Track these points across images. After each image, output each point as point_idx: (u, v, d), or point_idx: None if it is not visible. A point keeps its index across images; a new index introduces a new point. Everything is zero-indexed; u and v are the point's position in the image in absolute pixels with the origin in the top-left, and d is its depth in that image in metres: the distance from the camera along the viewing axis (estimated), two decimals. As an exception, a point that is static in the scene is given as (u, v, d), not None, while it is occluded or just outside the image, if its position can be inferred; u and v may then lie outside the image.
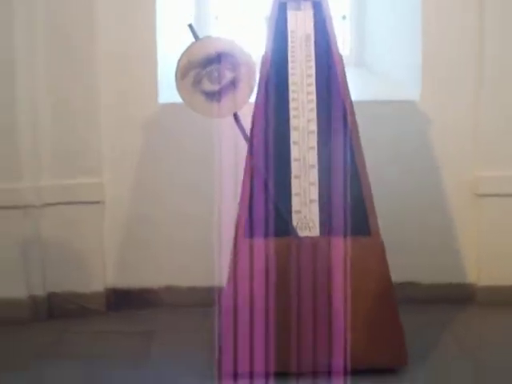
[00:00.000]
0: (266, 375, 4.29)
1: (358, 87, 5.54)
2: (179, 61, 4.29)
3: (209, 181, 5.24)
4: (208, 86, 4.25)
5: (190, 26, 4.37)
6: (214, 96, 4.26)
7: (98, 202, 5.56)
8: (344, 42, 6.29)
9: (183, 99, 4.32)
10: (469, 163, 5.67)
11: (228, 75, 4.26)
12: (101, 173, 5.57)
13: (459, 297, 5.70)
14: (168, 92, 5.34)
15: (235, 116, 4.34)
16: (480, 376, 4.53)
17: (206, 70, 4.26)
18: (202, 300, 5.37)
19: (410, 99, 5.65)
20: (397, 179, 5.62)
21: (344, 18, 6.31)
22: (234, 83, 4.27)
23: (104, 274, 5.64)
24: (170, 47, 5.64)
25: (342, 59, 4.41)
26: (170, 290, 5.67)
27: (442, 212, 5.73)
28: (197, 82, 4.26)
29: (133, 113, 5.57)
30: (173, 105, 5.40)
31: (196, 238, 5.57)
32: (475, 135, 5.62)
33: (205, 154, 5.40)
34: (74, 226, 5.52)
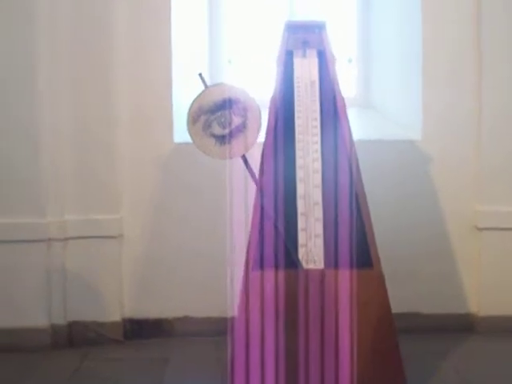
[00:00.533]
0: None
1: (364, 127, 5.86)
2: (190, 107, 4.59)
3: (220, 218, 5.53)
4: (217, 130, 4.54)
5: (200, 75, 4.68)
6: (223, 139, 4.55)
7: (116, 237, 5.87)
8: (350, 85, 6.59)
9: (194, 142, 4.60)
10: (469, 199, 5.94)
11: (236, 120, 4.54)
12: (119, 209, 5.89)
13: (460, 327, 5.95)
14: (182, 133, 5.70)
15: (244, 158, 4.63)
16: None
17: (215, 115, 4.55)
18: (214, 330, 5.64)
19: (412, 139, 5.96)
20: (400, 214, 5.89)
21: (350, 61, 6.56)
22: (241, 127, 4.55)
23: (121, 304, 5.92)
24: (184, 90, 5.99)
25: (344, 103, 4.71)
26: (183, 320, 5.94)
27: (444, 245, 6.00)
28: (207, 126, 4.54)
29: (150, 152, 5.89)
30: (187, 144, 5.74)
31: (208, 271, 5.84)
32: (475, 172, 5.90)
33: (216, 191, 5.70)
34: (94, 258, 5.82)
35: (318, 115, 4.73)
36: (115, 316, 5.88)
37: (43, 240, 5.72)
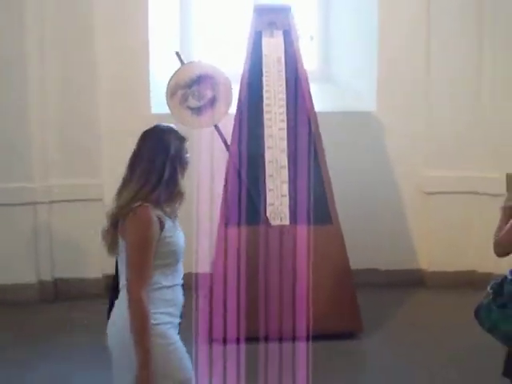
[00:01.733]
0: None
1: (324, 100, 6.40)
2: (168, 83, 5.12)
3: (190, 183, 6.03)
4: (193, 103, 5.08)
5: (177, 53, 5.20)
6: (198, 111, 5.09)
7: (97, 200, 6.35)
8: (311, 60, 7.09)
9: (172, 114, 5.15)
10: (419, 165, 6.53)
11: (208, 93, 5.08)
12: (100, 175, 6.38)
13: (411, 281, 6.56)
14: (160, 105, 6.24)
15: (216, 127, 5.18)
16: (423, 340, 5.39)
17: (190, 89, 5.08)
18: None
19: (368, 110, 6.55)
20: (357, 178, 6.45)
21: (312, 38, 7.06)
22: (214, 100, 5.09)
23: (102, 262, 6.42)
24: (160, 66, 6.50)
25: (307, 78, 5.28)
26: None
27: (396, 208, 6.61)
28: (183, 99, 5.08)
29: (129, 123, 6.35)
30: (164, 115, 6.27)
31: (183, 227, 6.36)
32: (424, 141, 6.48)
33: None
34: (77, 220, 6.32)
35: (283, 89, 5.31)
36: (97, 272, 6.40)
37: (30, 203, 6.21)
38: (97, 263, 6.38)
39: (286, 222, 5.22)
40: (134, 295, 2.92)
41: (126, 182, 3.10)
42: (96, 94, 6.29)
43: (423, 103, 6.47)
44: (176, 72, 5.15)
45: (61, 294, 6.35)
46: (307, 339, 4.98)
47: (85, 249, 6.37)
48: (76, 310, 6.08)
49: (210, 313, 5.15)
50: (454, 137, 6.47)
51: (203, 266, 5.77)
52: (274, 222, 5.21)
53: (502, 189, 3.70)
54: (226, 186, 5.23)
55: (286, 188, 5.23)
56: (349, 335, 5.30)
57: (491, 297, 3.51)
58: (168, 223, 3.04)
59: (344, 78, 6.84)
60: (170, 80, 5.14)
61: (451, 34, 6.44)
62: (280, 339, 5.06)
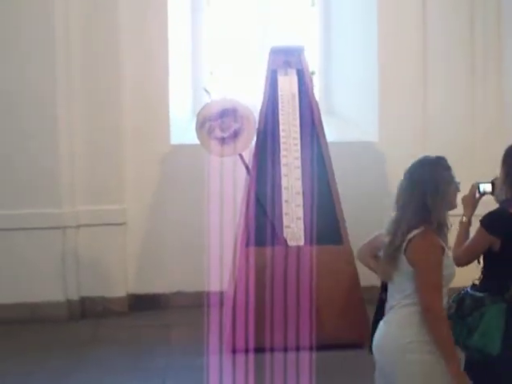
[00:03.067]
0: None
1: (329, 131, 6.94)
2: (198, 115, 5.67)
3: (208, 208, 6.54)
4: (219, 133, 5.62)
5: (205, 89, 5.76)
6: (223, 141, 5.62)
7: (121, 224, 6.89)
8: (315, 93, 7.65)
9: (201, 144, 5.69)
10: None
11: (234, 125, 5.62)
12: (123, 201, 6.91)
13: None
14: (178, 136, 6.81)
15: (240, 155, 5.72)
16: None
17: (217, 121, 5.62)
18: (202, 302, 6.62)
19: (370, 141, 7.11)
20: (360, 205, 6.95)
21: (313, 73, 7.56)
22: (238, 132, 5.63)
23: (126, 281, 6.94)
24: (179, 100, 7.06)
25: (319, 112, 5.84)
26: (177, 294, 6.99)
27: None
28: (211, 131, 5.62)
29: (150, 152, 6.91)
30: (181, 146, 6.86)
31: (197, 255, 6.65)
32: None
33: (205, 185, 6.70)
34: (103, 243, 6.83)
35: (297, 122, 5.87)
36: (121, 292, 6.91)
37: (59, 227, 6.71)
38: (121, 283, 6.91)
39: (302, 242, 5.75)
40: (439, 313, 3.19)
41: (401, 211, 3.34)
42: (120, 127, 6.82)
43: (421, 136, 7.01)
44: (204, 106, 5.70)
45: (87, 312, 6.82)
46: (321, 349, 5.51)
47: (109, 270, 6.87)
48: (102, 327, 6.58)
49: (233, 326, 5.67)
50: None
51: (216, 285, 6.34)
52: (291, 243, 5.74)
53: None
54: (246, 209, 5.75)
55: (300, 212, 5.77)
56: (359, 345, 5.79)
57: (453, 310, 3.66)
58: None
59: (347, 111, 7.39)
60: (199, 113, 5.69)
61: (447, 72, 7.04)
62: (297, 349, 5.55)
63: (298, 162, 5.82)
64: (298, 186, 5.80)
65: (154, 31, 6.86)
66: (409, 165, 3.56)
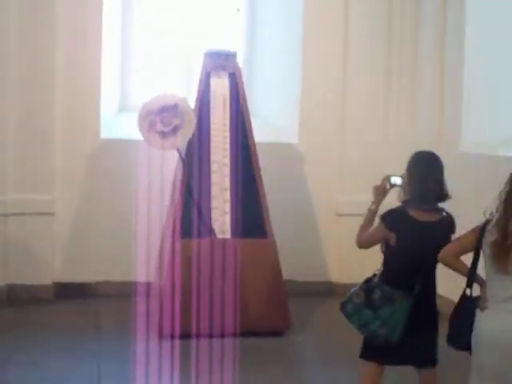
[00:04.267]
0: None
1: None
2: (141, 109, 5.95)
3: (135, 200, 6.85)
4: (160, 127, 5.90)
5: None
6: (164, 135, 5.91)
7: (50, 214, 7.10)
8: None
9: (143, 136, 5.96)
10: (332, 190, 7.55)
11: (174, 121, 5.91)
12: (53, 191, 7.12)
13: (323, 291, 7.53)
14: (107, 130, 7.08)
15: (178, 150, 6.05)
16: (344, 339, 5.98)
17: (159, 116, 5.90)
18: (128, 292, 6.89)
19: (290, 142, 7.54)
20: (282, 204, 7.34)
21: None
22: (179, 126, 5.91)
23: (52, 270, 7.14)
24: (109, 96, 7.32)
25: (249, 113, 6.22)
26: (105, 283, 7.24)
27: (313, 228, 7.59)
28: (152, 124, 5.90)
29: (80, 145, 7.15)
30: (111, 140, 7.13)
31: (124, 244, 7.01)
32: (338, 170, 7.51)
33: (133, 178, 6.97)
34: (31, 232, 7.02)
35: (228, 122, 6.24)
36: (47, 279, 7.11)
37: (-14, 215, 6.87)
38: (48, 271, 7.12)
39: (228, 235, 6.11)
40: None
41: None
42: (51, 119, 7.04)
43: (339, 140, 7.49)
44: (148, 100, 6.00)
45: (12, 299, 6.97)
46: (245, 335, 5.89)
47: (36, 258, 7.06)
48: (30, 313, 6.74)
49: (161, 314, 5.98)
50: (364, 167, 7.47)
51: (143, 274, 6.63)
52: (218, 235, 6.09)
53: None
54: (175, 202, 6.06)
55: (227, 207, 6.13)
56: (279, 332, 6.19)
57: (363, 298, 4.00)
58: None
59: (269, 113, 7.78)
60: (143, 107, 5.98)
61: (366, 78, 7.54)
62: (221, 335, 5.90)
63: (227, 160, 6.18)
64: (226, 182, 6.16)
65: (88, 27, 7.11)
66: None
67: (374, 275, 4.09)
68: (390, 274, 4.05)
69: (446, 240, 3.97)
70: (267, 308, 6.13)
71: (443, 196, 4.07)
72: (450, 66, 7.01)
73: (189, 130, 5.96)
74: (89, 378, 5.30)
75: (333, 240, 7.61)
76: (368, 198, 7.32)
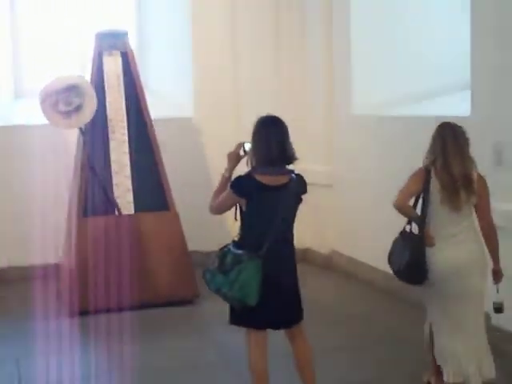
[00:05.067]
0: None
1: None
2: (41, 90, 6.02)
3: (33, 181, 6.90)
4: (62, 107, 6.00)
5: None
6: (66, 115, 6.02)
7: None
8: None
9: (46, 118, 6.04)
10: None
11: (76, 101, 6.02)
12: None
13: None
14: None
15: (80, 129, 6.18)
16: None
17: (61, 96, 6.00)
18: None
19: (188, 116, 7.71)
20: (182, 177, 7.49)
21: None
22: (80, 106, 6.03)
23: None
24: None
25: (143, 90, 6.36)
26: (10, 269, 7.29)
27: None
28: (54, 105, 5.99)
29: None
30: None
31: (27, 227, 7.14)
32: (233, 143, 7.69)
33: (26, 160, 7.09)
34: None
35: (123, 99, 6.36)
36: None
37: None
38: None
39: (132, 211, 6.27)
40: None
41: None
42: None
43: (234, 111, 7.70)
44: (49, 82, 6.09)
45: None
46: (156, 306, 6.15)
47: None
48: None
49: (70, 292, 6.10)
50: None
51: (49, 256, 6.72)
52: (123, 211, 6.24)
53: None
54: (80, 181, 6.17)
55: (129, 183, 6.28)
56: (188, 301, 6.40)
57: (217, 264, 4.01)
58: None
59: (164, 90, 7.91)
60: (43, 88, 6.06)
61: (256, 49, 7.77)
62: (133, 308, 6.06)
63: (125, 137, 6.32)
64: (125, 158, 6.30)
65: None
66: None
67: (233, 242, 4.09)
68: (241, 238, 4.09)
69: (296, 201, 4.11)
70: (175, 279, 6.33)
71: (289, 158, 4.10)
72: (338, 31, 7.30)
73: (91, 108, 6.07)
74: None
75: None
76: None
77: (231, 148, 7.55)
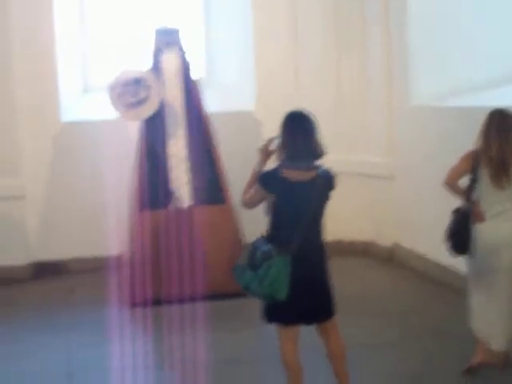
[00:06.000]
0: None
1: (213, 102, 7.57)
2: (110, 82, 6.27)
3: (100, 177, 7.14)
4: (129, 99, 6.24)
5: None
6: (131, 106, 6.25)
7: (20, 197, 7.37)
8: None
9: (112, 105, 6.26)
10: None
11: (142, 93, 6.24)
12: (21, 175, 7.41)
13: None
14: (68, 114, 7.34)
15: (143, 121, 6.34)
16: None
17: (128, 88, 6.23)
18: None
19: (248, 110, 7.78)
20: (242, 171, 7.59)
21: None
22: (145, 99, 6.25)
23: (27, 251, 7.42)
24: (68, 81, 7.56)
25: (197, 86, 6.47)
26: (78, 260, 7.50)
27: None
28: (121, 96, 6.23)
29: (43, 130, 7.39)
30: (71, 123, 7.41)
31: (93, 220, 7.40)
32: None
33: (95, 157, 7.32)
34: (2, 216, 7.28)
35: (181, 96, 6.47)
36: (22, 260, 7.39)
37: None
38: (22, 252, 7.42)
39: (189, 204, 6.39)
40: None
41: None
42: (14, 106, 7.31)
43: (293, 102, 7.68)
44: (118, 73, 6.34)
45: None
46: (212, 299, 6.20)
47: (11, 240, 7.35)
48: (6, 293, 7.00)
49: (132, 284, 6.25)
50: (321, 130, 7.70)
51: (114, 248, 6.89)
52: (180, 205, 6.36)
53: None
54: (140, 175, 6.32)
55: (187, 177, 6.40)
56: (242, 294, 6.41)
57: (247, 260, 4.02)
58: None
59: (228, 84, 8.00)
60: (113, 79, 6.32)
61: (317, 43, 7.75)
62: (191, 300, 6.14)
63: (183, 132, 6.42)
64: (183, 153, 6.41)
65: (40, 11, 7.33)
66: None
67: (263, 237, 4.10)
68: (270, 234, 4.10)
69: (324, 197, 4.08)
70: (229, 271, 6.35)
71: (316, 153, 4.08)
72: (396, 23, 7.24)
73: (155, 101, 6.29)
74: (62, 350, 5.55)
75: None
76: (331, 157, 7.75)
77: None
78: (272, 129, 7.60)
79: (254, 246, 4.07)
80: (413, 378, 4.90)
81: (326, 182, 4.10)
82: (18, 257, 7.37)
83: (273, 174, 4.07)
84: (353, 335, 5.00)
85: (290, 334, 4.15)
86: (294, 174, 4.03)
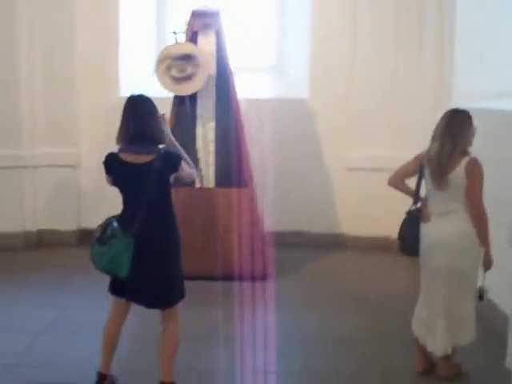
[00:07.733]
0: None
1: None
2: (161, 52, 6.50)
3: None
4: (175, 73, 6.43)
5: (174, 32, 6.57)
6: (178, 80, 6.43)
7: (75, 166, 7.79)
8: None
9: (157, 77, 6.47)
10: (343, 146, 7.78)
11: (189, 69, 6.41)
12: (78, 145, 7.82)
13: (333, 244, 7.82)
14: (126, 89, 7.58)
15: (188, 97, 6.51)
16: (329, 286, 6.61)
17: (176, 62, 6.42)
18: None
19: (302, 97, 7.81)
20: (292, 158, 7.75)
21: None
22: (192, 75, 6.42)
23: (78, 217, 7.83)
24: (128, 56, 7.86)
25: (231, 70, 6.55)
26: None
27: (323, 182, 7.87)
28: (168, 68, 6.43)
29: (101, 102, 7.73)
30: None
31: None
32: (347, 125, 7.71)
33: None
34: (58, 182, 7.71)
35: (214, 78, 6.59)
36: (73, 226, 7.80)
37: (20, 167, 7.61)
38: (73, 218, 7.83)
39: (212, 185, 6.53)
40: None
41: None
42: (74, 79, 7.71)
43: (346, 96, 7.70)
44: (167, 46, 6.59)
45: (43, 243, 7.73)
46: (231, 279, 6.33)
47: (64, 206, 7.79)
48: (56, 256, 7.44)
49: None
50: (372, 124, 7.70)
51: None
52: (204, 185, 6.52)
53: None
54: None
55: (212, 158, 6.54)
56: (261, 277, 6.54)
57: (98, 234, 4.17)
58: None
59: (283, 70, 8.10)
60: (163, 50, 6.56)
61: (375, 36, 7.67)
62: (205, 278, 6.28)
63: (212, 113, 6.56)
64: (211, 135, 6.56)
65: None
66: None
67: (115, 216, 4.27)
68: (120, 214, 4.27)
69: (163, 180, 4.20)
70: (248, 254, 6.49)
71: (155, 138, 4.21)
72: (447, 27, 7.12)
73: (201, 80, 6.45)
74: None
75: (344, 193, 7.85)
76: (378, 152, 7.67)
77: (341, 130, 7.64)
78: (326, 118, 7.74)
79: (108, 222, 4.22)
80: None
81: (165, 165, 4.19)
82: (68, 222, 7.79)
83: (112, 156, 4.26)
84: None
85: (118, 307, 4.36)
86: (130, 157, 4.18)
